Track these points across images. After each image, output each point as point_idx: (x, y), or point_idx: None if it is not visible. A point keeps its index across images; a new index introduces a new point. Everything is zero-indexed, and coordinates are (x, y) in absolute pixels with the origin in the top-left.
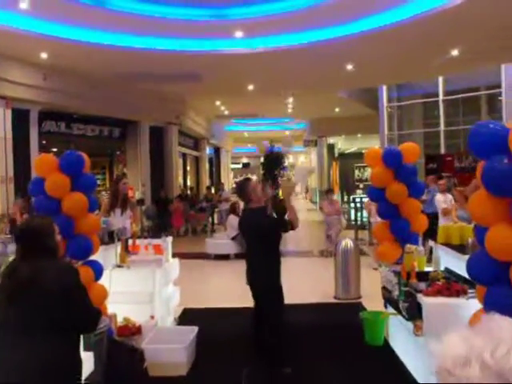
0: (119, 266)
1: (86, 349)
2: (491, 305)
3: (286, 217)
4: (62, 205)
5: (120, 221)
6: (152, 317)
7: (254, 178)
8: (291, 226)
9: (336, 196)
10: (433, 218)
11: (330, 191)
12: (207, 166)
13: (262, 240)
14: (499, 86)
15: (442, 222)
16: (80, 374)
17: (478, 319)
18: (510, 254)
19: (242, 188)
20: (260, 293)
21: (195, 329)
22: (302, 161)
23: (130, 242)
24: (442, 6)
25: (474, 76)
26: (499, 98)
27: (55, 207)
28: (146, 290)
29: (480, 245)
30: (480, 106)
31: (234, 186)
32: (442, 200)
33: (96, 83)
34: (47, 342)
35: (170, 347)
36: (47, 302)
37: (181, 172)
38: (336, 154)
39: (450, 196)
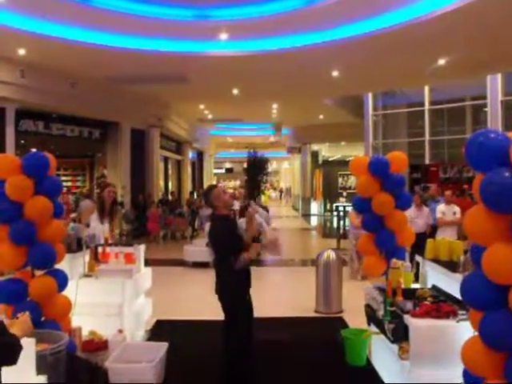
0: (87, 276)
1: (40, 372)
2: (488, 332)
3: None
4: (23, 209)
5: (101, 230)
6: (120, 330)
7: (237, 183)
8: (245, 250)
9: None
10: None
11: None
12: (189, 170)
13: (215, 250)
14: (484, 98)
15: (439, 234)
16: None
17: (475, 348)
18: (510, 276)
19: (205, 195)
20: (222, 306)
21: (165, 345)
22: (285, 167)
23: (100, 249)
24: (429, 13)
25: (460, 86)
26: (484, 109)
27: (16, 212)
28: (114, 302)
29: (476, 265)
30: (465, 117)
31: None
32: (442, 210)
33: (76, 82)
34: None
35: (136, 366)
36: None
37: (162, 176)
38: (320, 162)
39: (456, 208)
